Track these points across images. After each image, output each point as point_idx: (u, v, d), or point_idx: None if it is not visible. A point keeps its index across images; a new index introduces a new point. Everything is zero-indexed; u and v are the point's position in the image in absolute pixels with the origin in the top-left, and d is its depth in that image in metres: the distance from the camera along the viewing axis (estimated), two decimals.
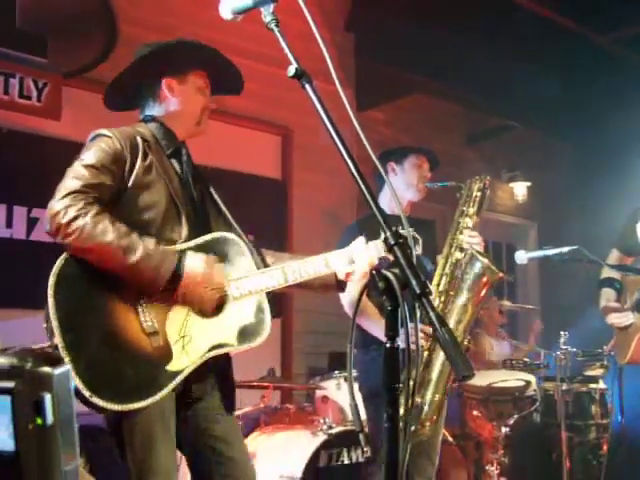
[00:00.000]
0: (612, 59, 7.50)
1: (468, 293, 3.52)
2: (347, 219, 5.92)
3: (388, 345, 1.47)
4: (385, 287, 1.45)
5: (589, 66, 7.31)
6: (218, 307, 2.47)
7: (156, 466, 2.36)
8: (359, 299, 1.56)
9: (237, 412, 4.39)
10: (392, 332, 1.47)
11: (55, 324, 2.22)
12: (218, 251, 2.52)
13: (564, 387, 5.15)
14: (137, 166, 2.47)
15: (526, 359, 5.92)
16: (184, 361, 2.38)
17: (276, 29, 1.83)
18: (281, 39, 1.81)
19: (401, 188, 3.91)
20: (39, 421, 1.18)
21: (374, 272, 1.46)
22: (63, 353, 2.19)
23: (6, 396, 1.18)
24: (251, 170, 6.03)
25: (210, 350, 2.44)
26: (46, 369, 1.21)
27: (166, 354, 2.36)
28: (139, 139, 2.54)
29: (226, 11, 1.98)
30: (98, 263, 2.33)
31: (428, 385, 3.45)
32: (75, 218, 2.27)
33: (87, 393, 2.18)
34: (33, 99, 4.87)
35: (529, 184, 8.89)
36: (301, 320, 6.13)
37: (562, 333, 5.15)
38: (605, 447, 5.28)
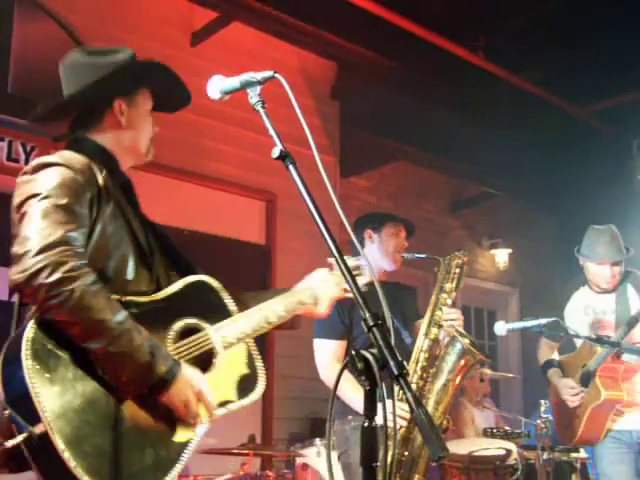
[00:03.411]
0: (591, 131, 7.69)
1: (448, 374, 3.55)
2: None
3: (366, 424, 1.49)
4: (364, 367, 1.48)
5: (568, 137, 7.48)
6: (207, 363, 2.17)
7: None
8: (340, 373, 1.58)
9: (218, 479, 4.36)
10: (370, 411, 1.49)
11: (41, 410, 1.81)
12: (195, 297, 2.24)
13: (545, 456, 5.12)
14: (101, 207, 2.12)
15: (507, 427, 5.90)
16: (187, 430, 2.06)
17: (262, 111, 1.90)
18: (267, 121, 1.88)
19: (377, 257, 3.93)
20: None
21: (353, 352, 1.49)
22: (59, 445, 1.80)
23: None
24: (235, 235, 6.08)
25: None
26: None
27: (168, 424, 2.03)
28: (96, 170, 2.16)
29: (214, 91, 2.05)
30: (75, 336, 1.92)
31: (408, 464, 3.45)
32: (63, 281, 1.87)
33: None
34: (21, 162, 4.93)
35: (510, 251, 8.98)
36: (282, 386, 6.10)
37: (542, 402, 5.15)
38: None
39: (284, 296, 2.45)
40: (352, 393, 3.51)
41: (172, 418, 2.03)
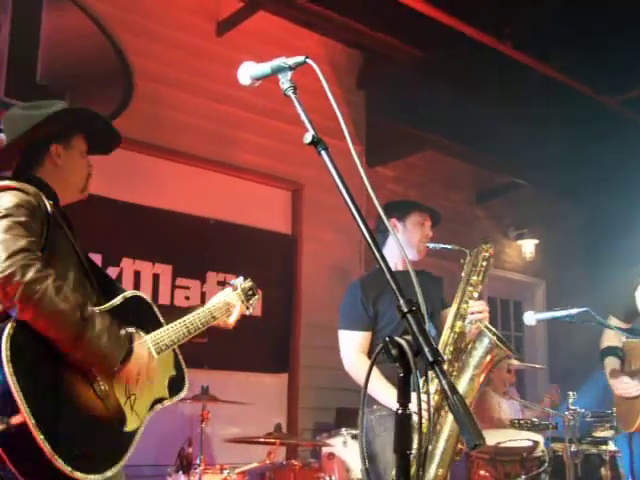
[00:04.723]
0: (622, 121, 7.57)
1: (474, 369, 3.51)
2: (355, 274, 5.97)
3: (400, 412, 1.48)
4: (398, 354, 1.47)
5: (598, 127, 7.38)
6: None
7: None
8: (371, 364, 1.56)
9: (244, 468, 4.37)
10: (404, 399, 1.48)
11: (21, 401, 2.06)
12: (132, 310, 2.61)
13: (573, 448, 5.07)
14: (50, 229, 2.41)
15: (534, 419, 5.86)
16: (136, 421, 2.45)
17: (293, 96, 1.88)
18: (298, 106, 1.86)
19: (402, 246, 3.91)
20: None
21: (387, 339, 1.48)
22: (35, 431, 2.07)
23: None
24: (261, 225, 6.07)
25: (152, 406, 2.55)
26: None
27: (120, 416, 2.40)
28: (44, 198, 2.46)
29: (244, 77, 2.03)
30: (48, 330, 2.22)
31: (433, 458, 3.43)
32: (36, 280, 2.17)
33: (68, 469, 2.11)
34: None
35: (537, 242, 8.92)
36: (307, 376, 6.10)
37: (570, 393, 5.10)
38: None
39: (200, 311, 2.84)
40: (375, 386, 3.50)
41: (124, 413, 2.41)
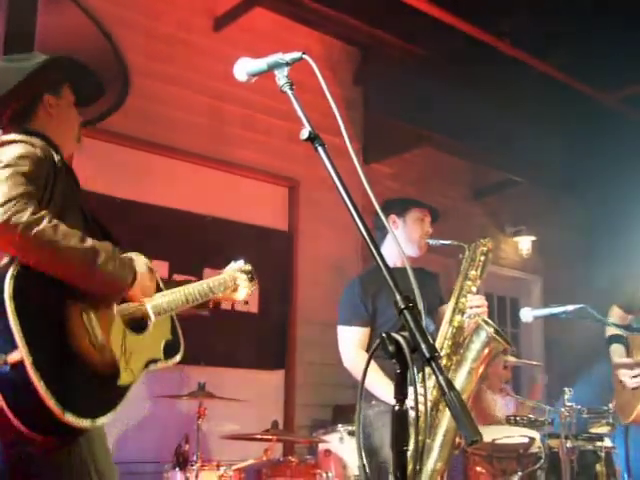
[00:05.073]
0: (619, 118, 7.57)
1: (472, 363, 3.52)
2: (352, 272, 5.95)
3: (397, 408, 1.48)
4: (395, 350, 1.47)
5: (596, 125, 7.38)
6: (142, 325, 2.57)
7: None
8: (369, 360, 1.57)
9: (240, 465, 4.38)
10: (401, 395, 1.48)
11: (20, 339, 2.07)
12: None
13: (569, 445, 5.08)
14: (56, 182, 2.41)
15: (530, 415, 5.86)
16: (129, 376, 2.45)
17: (290, 92, 1.88)
18: (295, 102, 1.86)
19: (402, 243, 3.92)
20: None
21: (384, 335, 1.48)
22: (31, 370, 2.07)
23: None
24: (258, 221, 6.06)
25: (146, 365, 2.55)
26: None
27: (114, 369, 2.40)
28: (52, 151, 2.45)
29: (241, 73, 2.03)
30: (54, 268, 2.24)
31: (431, 452, 3.43)
32: (32, 223, 2.16)
33: (60, 411, 2.09)
34: None
35: (534, 239, 8.92)
36: (304, 372, 6.10)
37: (566, 389, 5.11)
38: None
39: (199, 284, 2.88)
40: (374, 380, 3.50)
41: (118, 367, 2.39)
